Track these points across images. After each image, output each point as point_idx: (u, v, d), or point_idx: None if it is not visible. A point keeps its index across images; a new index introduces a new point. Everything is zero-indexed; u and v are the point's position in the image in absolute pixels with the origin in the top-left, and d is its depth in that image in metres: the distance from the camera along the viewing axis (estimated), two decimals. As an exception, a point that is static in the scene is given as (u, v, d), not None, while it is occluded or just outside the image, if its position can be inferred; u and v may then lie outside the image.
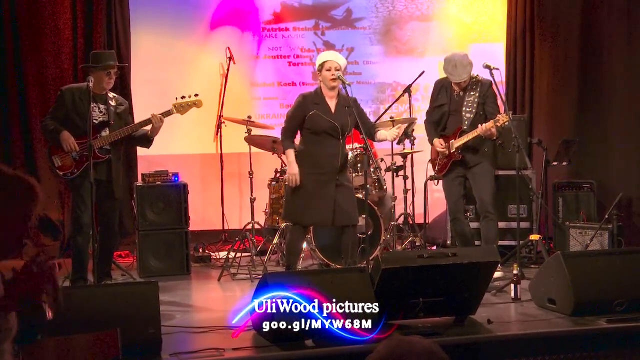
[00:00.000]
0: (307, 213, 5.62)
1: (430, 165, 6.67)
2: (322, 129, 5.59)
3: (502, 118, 5.92)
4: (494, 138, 6.15)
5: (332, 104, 5.66)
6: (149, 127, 5.93)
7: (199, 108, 6.09)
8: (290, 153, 5.64)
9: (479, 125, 6.05)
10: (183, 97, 5.99)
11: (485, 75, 6.23)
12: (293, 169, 5.60)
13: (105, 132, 5.85)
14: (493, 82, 6.11)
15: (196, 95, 6.02)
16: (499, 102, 6.34)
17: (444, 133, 6.34)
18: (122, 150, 6.12)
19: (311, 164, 5.60)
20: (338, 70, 5.60)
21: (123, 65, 6.56)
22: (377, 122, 7.48)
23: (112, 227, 6.04)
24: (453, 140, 6.23)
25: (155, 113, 5.90)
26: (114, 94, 6.07)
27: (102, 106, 5.89)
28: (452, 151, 6.23)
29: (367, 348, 4.23)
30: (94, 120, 5.75)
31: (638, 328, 4.65)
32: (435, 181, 6.90)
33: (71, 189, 6.09)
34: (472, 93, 6.20)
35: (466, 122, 6.18)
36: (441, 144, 6.27)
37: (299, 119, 5.65)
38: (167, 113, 5.93)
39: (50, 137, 5.92)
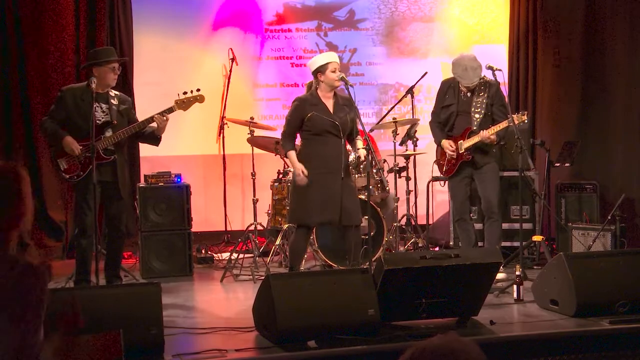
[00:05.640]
0: (315, 213, 5.58)
1: (434, 166, 6.64)
2: (324, 128, 5.58)
3: (518, 118, 5.90)
4: (495, 143, 6.18)
5: (329, 104, 5.66)
6: (155, 125, 5.84)
7: (201, 103, 5.97)
8: (292, 154, 5.65)
9: (481, 131, 6.04)
10: (185, 93, 5.89)
11: (487, 75, 6.22)
12: (298, 167, 5.59)
13: (109, 133, 5.77)
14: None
15: (198, 90, 5.91)
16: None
17: (451, 133, 6.32)
18: (126, 150, 6.07)
19: (316, 163, 5.59)
20: (340, 71, 5.62)
21: (123, 60, 6.43)
22: (380, 123, 7.51)
23: (120, 227, 5.97)
24: (462, 141, 6.21)
25: (157, 113, 5.85)
26: (116, 92, 5.96)
27: (104, 106, 5.82)
28: (461, 152, 6.23)
29: (370, 349, 4.24)
30: (97, 121, 5.71)
31: (641, 329, 4.66)
32: (442, 182, 6.88)
33: (76, 192, 5.96)
34: (481, 94, 6.19)
35: (475, 123, 6.17)
36: (451, 146, 6.24)
37: (298, 121, 5.65)
38: (170, 110, 5.85)
39: (50, 140, 5.85)
